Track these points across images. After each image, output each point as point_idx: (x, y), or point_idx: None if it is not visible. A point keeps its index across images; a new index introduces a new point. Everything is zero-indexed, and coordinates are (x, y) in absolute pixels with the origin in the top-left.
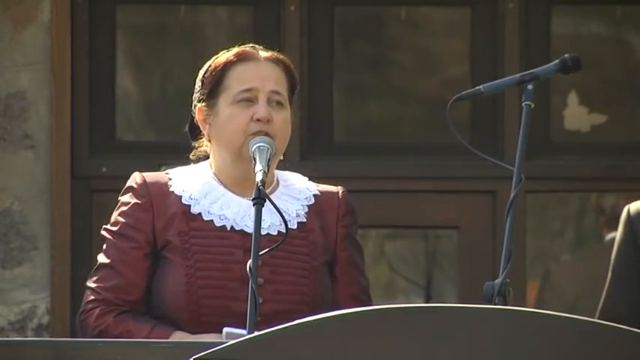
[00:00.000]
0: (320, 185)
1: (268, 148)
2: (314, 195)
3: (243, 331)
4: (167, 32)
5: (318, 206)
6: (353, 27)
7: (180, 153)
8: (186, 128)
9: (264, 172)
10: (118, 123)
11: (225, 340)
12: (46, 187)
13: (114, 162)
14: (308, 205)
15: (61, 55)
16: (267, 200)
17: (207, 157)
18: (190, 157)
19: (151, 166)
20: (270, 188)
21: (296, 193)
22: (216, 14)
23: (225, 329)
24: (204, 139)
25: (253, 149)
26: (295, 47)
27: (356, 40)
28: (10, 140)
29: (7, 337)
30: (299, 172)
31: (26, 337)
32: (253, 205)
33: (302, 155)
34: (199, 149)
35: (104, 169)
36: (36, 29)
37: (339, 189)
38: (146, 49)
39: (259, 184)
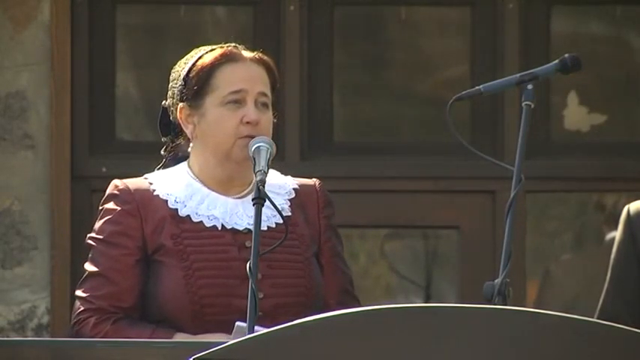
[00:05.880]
0: (296, 179)
1: (268, 148)
2: (294, 189)
3: (256, 326)
4: (167, 32)
5: (299, 200)
6: (353, 27)
7: None
8: (158, 124)
9: (264, 172)
10: (118, 123)
11: (224, 340)
12: (45, 187)
13: (114, 162)
14: (290, 199)
15: (61, 55)
16: (266, 200)
17: (185, 157)
18: (162, 152)
19: (150, 166)
20: (251, 186)
21: (276, 188)
22: (216, 14)
23: (238, 323)
24: (181, 137)
25: (253, 149)
26: (295, 47)
27: (356, 40)
28: (10, 140)
29: (7, 337)
30: (298, 173)
31: (26, 337)
32: (253, 205)
33: (302, 155)
34: (174, 147)
35: (104, 169)
36: (36, 29)
37: (314, 181)
38: (146, 49)
39: (259, 184)
